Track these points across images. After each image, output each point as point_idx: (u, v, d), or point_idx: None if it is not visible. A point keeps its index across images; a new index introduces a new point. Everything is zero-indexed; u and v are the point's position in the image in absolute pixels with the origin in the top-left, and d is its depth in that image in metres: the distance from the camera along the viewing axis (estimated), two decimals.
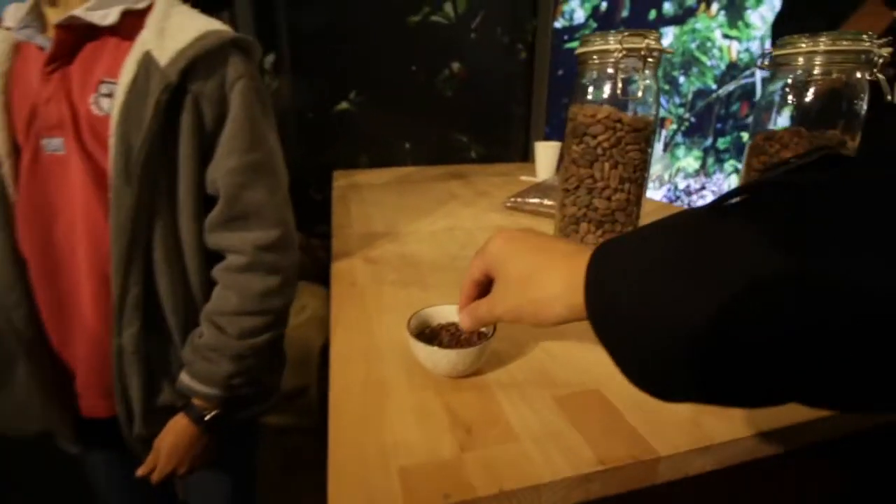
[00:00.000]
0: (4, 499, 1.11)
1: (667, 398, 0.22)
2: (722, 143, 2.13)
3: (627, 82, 0.55)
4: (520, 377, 0.41)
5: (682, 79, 1.93)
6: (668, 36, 1.85)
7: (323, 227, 1.51)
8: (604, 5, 1.75)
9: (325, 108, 1.68)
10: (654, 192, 2.17)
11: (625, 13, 1.77)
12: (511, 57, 1.78)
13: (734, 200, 0.21)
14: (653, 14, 1.80)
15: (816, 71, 0.54)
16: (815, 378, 0.17)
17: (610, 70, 0.53)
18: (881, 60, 0.52)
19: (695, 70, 1.93)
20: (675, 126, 2.05)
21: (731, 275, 0.18)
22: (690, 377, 0.20)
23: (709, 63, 1.94)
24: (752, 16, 1.87)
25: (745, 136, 2.08)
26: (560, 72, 1.78)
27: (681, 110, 2.01)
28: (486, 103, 1.80)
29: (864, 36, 0.52)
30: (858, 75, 0.53)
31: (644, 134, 0.55)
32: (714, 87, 1.97)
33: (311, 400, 0.98)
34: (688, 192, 2.24)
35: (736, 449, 0.34)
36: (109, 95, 0.53)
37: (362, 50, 1.64)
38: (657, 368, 0.21)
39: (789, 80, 0.56)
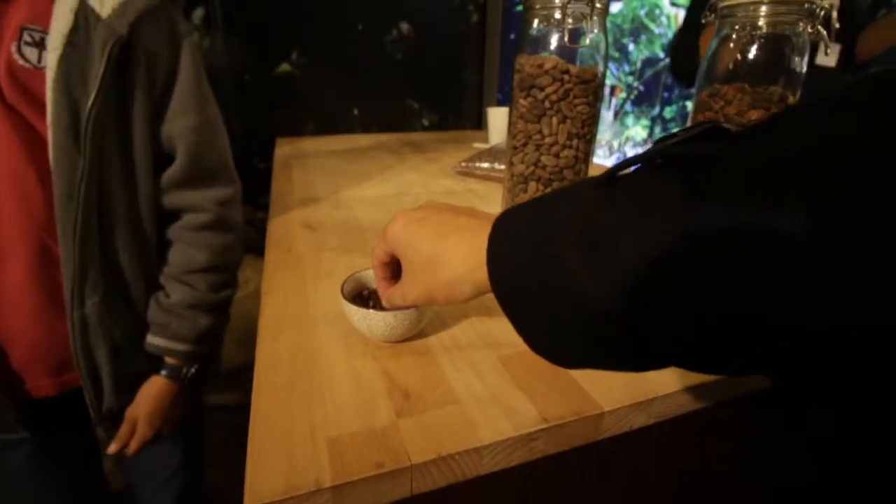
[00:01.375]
0: None
1: (570, 367, 0.24)
2: (668, 111, 2.18)
3: (575, 34, 0.52)
4: (463, 340, 0.39)
5: (631, 46, 1.94)
6: (618, 4, 1.84)
7: (268, 198, 1.44)
8: None
9: (264, 70, 1.57)
10: (606, 160, 2.20)
11: None
12: (462, 19, 1.72)
13: (627, 171, 0.21)
14: None
15: (760, 22, 0.54)
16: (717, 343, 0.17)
17: (557, 15, 0.50)
18: (822, 13, 0.52)
19: (643, 38, 1.94)
20: (624, 94, 2.06)
21: (638, 244, 0.18)
22: (594, 350, 0.20)
23: (657, 31, 1.96)
24: None
25: (689, 105, 2.13)
26: (512, 36, 1.73)
27: (630, 78, 2.03)
28: (438, 68, 1.74)
29: None
30: (801, 28, 0.53)
31: (592, 87, 0.52)
32: (662, 55, 2.00)
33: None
34: None
35: (681, 400, 0.34)
36: (35, 44, 0.48)
37: (304, 5, 1.53)
38: (563, 342, 0.22)
39: (734, 35, 0.56)
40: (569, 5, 0.49)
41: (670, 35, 2.00)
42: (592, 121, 0.54)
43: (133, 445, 0.61)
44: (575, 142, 0.54)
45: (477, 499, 0.31)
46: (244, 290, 1.04)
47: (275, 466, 0.26)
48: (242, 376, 0.95)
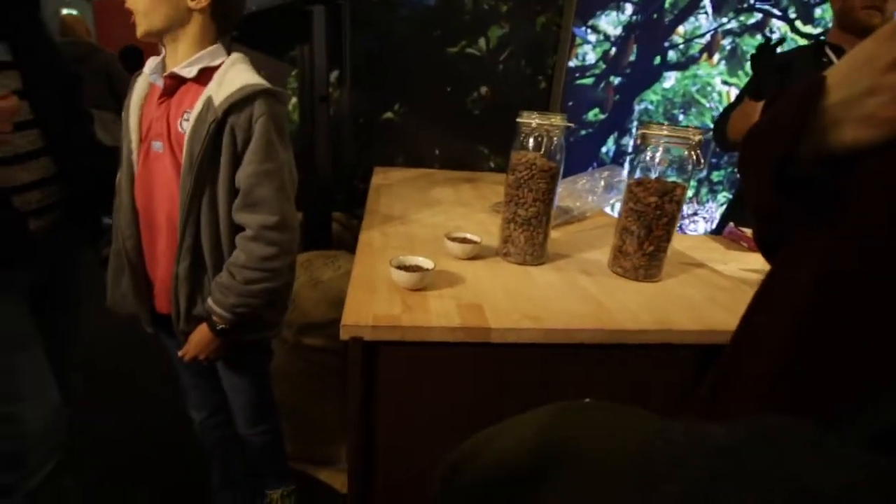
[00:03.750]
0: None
1: None
2: (716, 175, 2.40)
3: (547, 140, 0.91)
4: (444, 293, 0.79)
5: (681, 117, 2.22)
6: (671, 79, 2.14)
7: (362, 210, 1.93)
8: (613, 50, 2.06)
9: (373, 116, 2.10)
10: None
11: (632, 58, 2.08)
12: (532, 86, 2.13)
13: None
14: (657, 60, 2.10)
15: (662, 142, 0.89)
16: None
17: (534, 134, 0.90)
18: (698, 139, 0.86)
19: (694, 110, 2.21)
20: None
21: None
22: None
23: (708, 105, 2.22)
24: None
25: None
26: (570, 103, 2.11)
27: None
28: (507, 123, 2.15)
29: (690, 127, 0.87)
30: (686, 152, 0.88)
31: (549, 173, 0.91)
32: (711, 125, 2.24)
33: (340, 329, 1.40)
34: (681, 217, 2.50)
35: (533, 334, 0.71)
36: (187, 120, 0.84)
37: (408, 72, 2.04)
38: None
39: (649, 151, 0.91)
40: (537, 129, 0.88)
41: (720, 109, 2.25)
42: (550, 192, 0.92)
43: (186, 357, 0.94)
44: (537, 203, 0.92)
45: (445, 356, 0.71)
46: (338, 272, 1.51)
47: (351, 317, 0.68)
48: (329, 327, 1.41)
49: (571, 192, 1.48)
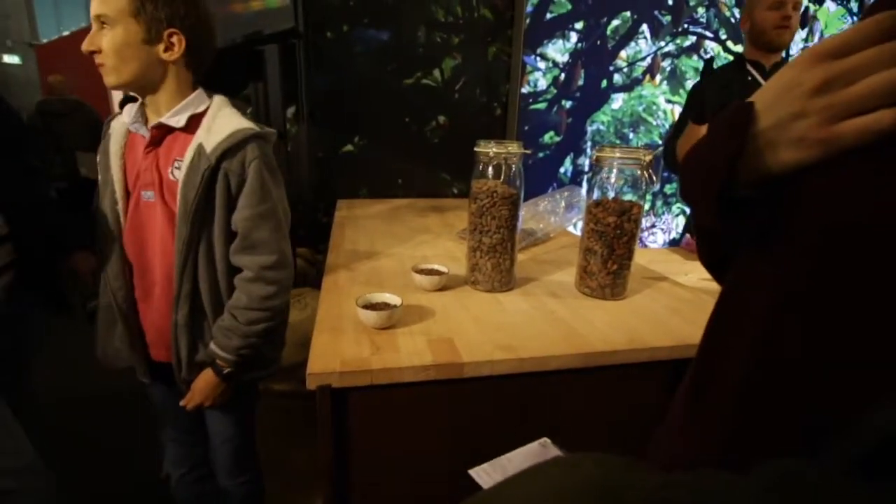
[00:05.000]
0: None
1: None
2: (669, 188, 2.50)
3: (505, 168, 0.92)
4: (414, 329, 0.77)
5: (631, 135, 2.31)
6: (619, 101, 2.24)
7: (327, 245, 1.89)
8: (562, 76, 2.15)
9: (333, 150, 2.08)
10: None
11: (580, 82, 2.17)
12: (488, 113, 2.18)
13: None
14: (604, 83, 2.20)
15: (616, 164, 0.92)
16: None
17: (492, 162, 0.91)
18: (649, 159, 0.89)
19: (642, 128, 2.32)
20: None
21: None
22: None
23: (655, 122, 2.33)
24: (691, 84, 2.25)
25: None
26: (526, 127, 2.17)
27: None
28: (467, 149, 2.18)
29: (640, 148, 0.90)
30: (639, 172, 0.91)
31: (511, 200, 0.92)
32: (660, 141, 2.35)
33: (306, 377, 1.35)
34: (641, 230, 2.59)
35: (507, 365, 0.70)
36: (179, 168, 0.85)
37: (366, 105, 2.05)
38: None
39: (604, 172, 0.94)
40: (496, 158, 0.89)
41: (667, 126, 2.36)
42: (512, 219, 0.93)
43: (189, 406, 0.93)
44: (501, 231, 0.92)
45: (418, 396, 0.69)
46: (304, 312, 1.47)
47: (317, 364, 0.66)
48: (296, 371, 1.35)
49: (534, 214, 1.50)
